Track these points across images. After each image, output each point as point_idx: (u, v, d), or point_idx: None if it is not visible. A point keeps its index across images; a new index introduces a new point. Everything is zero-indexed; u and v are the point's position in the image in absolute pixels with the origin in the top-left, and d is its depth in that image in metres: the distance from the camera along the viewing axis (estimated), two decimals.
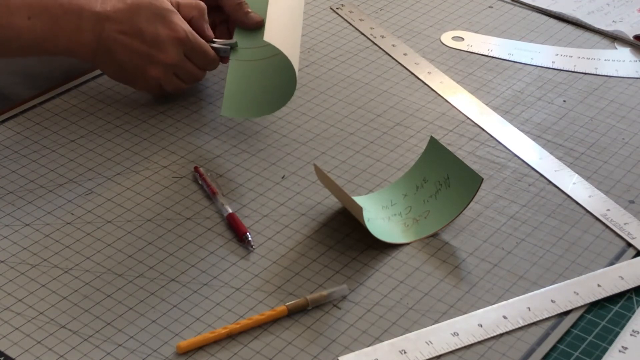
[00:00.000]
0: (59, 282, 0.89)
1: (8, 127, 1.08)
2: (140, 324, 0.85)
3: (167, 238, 0.94)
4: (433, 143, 1.00)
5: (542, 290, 0.90)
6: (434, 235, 0.96)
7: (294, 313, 0.87)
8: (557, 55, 1.26)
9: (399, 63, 1.23)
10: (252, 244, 0.93)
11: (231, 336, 0.84)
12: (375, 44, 1.27)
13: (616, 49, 1.28)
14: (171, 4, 1.08)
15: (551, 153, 1.08)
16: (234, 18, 1.14)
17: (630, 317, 0.88)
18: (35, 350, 0.83)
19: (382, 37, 1.28)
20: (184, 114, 1.12)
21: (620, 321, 0.88)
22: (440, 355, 0.84)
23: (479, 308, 0.88)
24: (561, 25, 1.33)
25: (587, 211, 1.00)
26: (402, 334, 0.85)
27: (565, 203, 1.01)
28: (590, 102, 1.17)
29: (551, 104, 1.17)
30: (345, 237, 0.95)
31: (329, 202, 1.00)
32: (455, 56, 1.25)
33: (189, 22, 1.09)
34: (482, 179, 0.95)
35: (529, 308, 0.88)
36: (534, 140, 1.10)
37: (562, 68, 1.24)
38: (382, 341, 0.84)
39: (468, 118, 1.14)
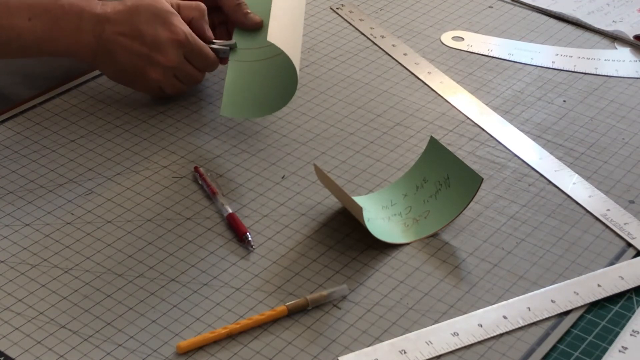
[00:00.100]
0: (59, 282, 0.89)
1: (8, 127, 1.08)
2: (140, 324, 0.85)
3: (167, 238, 0.94)
4: (433, 143, 1.00)
5: (542, 290, 0.90)
6: (434, 235, 0.96)
7: (294, 313, 0.87)
8: (557, 55, 1.26)
9: (399, 63, 1.23)
10: (252, 244, 0.93)
11: (231, 336, 0.84)
12: (375, 44, 1.27)
13: (616, 49, 1.28)
14: (171, 5, 1.08)
15: (551, 153, 1.08)
16: (234, 19, 1.14)
17: (630, 317, 0.88)
18: (35, 350, 0.83)
19: (382, 37, 1.28)
20: (184, 114, 1.12)
21: (620, 321, 0.88)
22: (440, 355, 0.84)
23: (479, 308, 0.88)
24: (561, 25, 1.33)
25: (587, 211, 1.00)
26: (402, 334, 0.85)
27: (565, 203, 1.01)
28: (590, 102, 1.17)
29: (551, 104, 1.17)
30: (345, 237, 0.95)
31: (329, 202, 1.00)
32: (455, 56, 1.25)
33: (190, 23, 1.09)
34: (482, 179, 0.95)
35: (529, 308, 0.88)
36: (534, 140, 1.10)
37: (562, 68, 1.24)
38: (382, 341, 0.84)
39: (468, 118, 1.13)
